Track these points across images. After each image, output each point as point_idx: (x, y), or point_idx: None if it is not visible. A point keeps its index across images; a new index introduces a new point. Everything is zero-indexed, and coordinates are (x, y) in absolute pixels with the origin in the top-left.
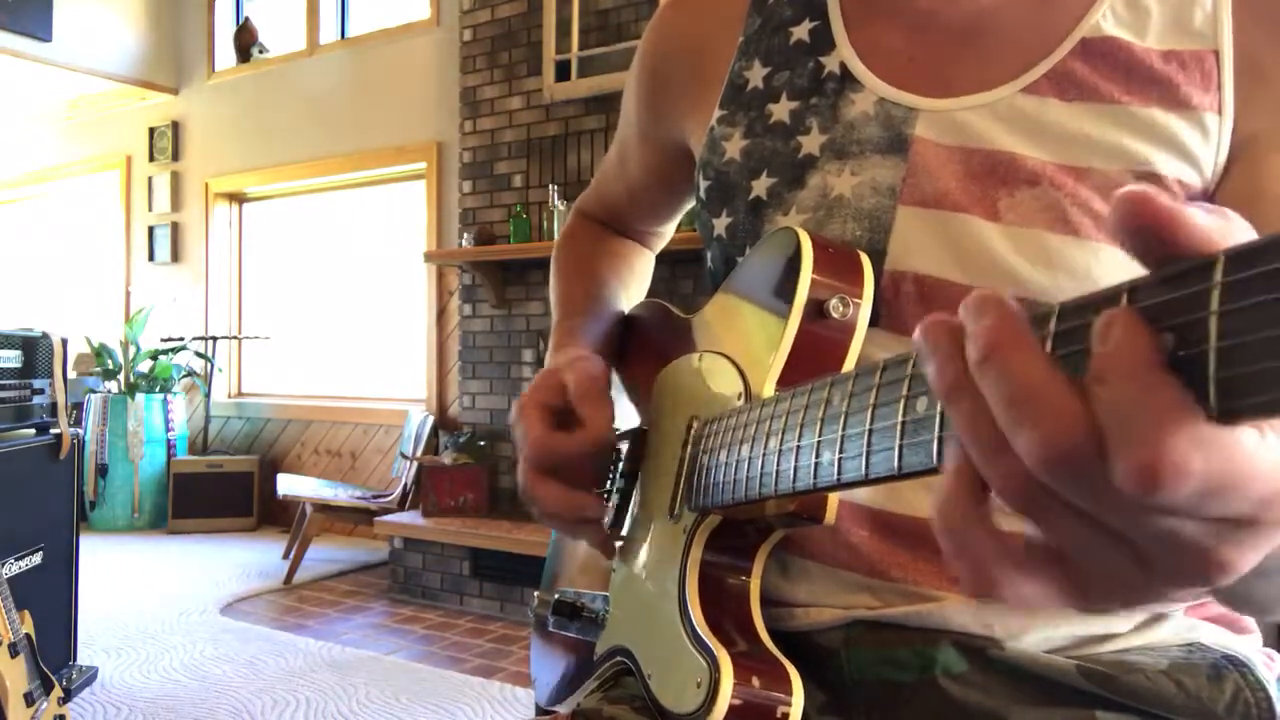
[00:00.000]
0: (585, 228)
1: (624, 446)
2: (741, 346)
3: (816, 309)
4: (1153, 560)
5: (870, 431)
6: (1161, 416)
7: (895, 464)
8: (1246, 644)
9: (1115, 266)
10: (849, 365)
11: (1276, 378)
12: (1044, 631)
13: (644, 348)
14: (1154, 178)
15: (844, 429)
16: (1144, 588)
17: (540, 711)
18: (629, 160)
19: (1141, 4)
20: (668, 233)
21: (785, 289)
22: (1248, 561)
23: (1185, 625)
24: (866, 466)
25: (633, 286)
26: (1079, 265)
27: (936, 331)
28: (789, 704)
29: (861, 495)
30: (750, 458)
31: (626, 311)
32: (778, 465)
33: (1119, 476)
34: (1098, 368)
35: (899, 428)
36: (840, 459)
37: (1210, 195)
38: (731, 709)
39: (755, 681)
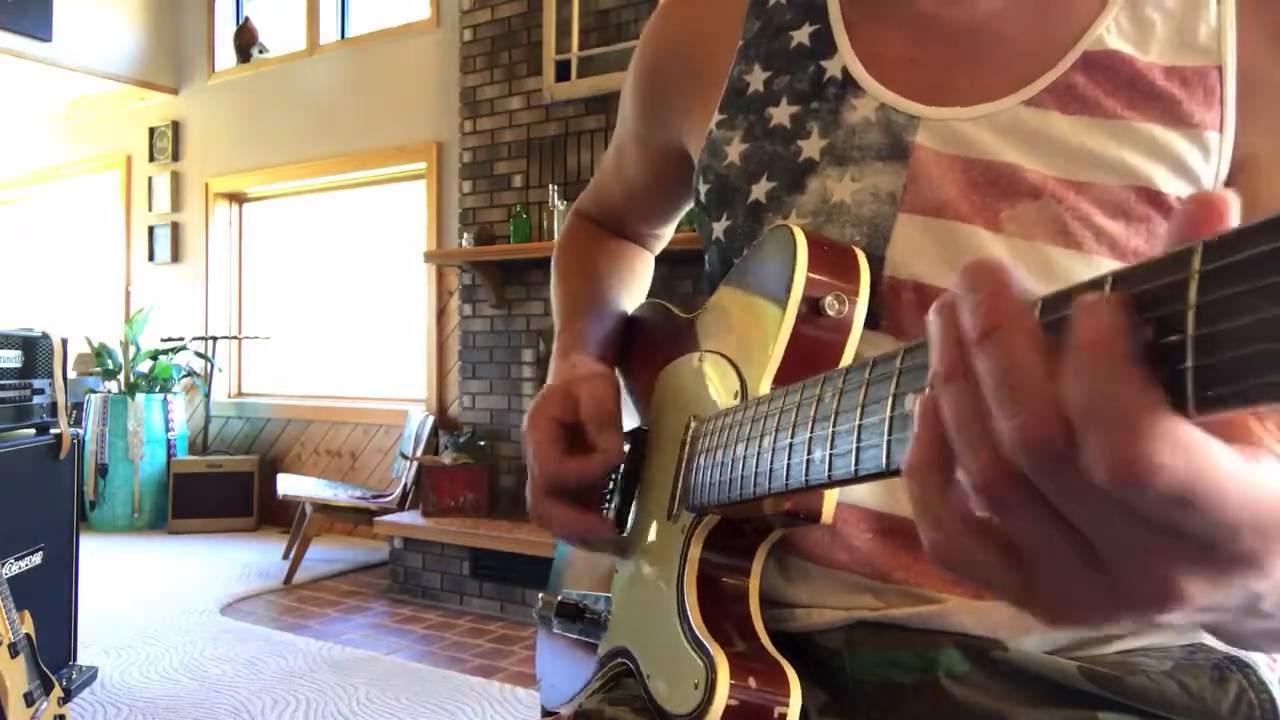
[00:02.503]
0: (584, 230)
1: (626, 447)
2: (738, 345)
3: (812, 306)
4: (1111, 573)
5: (860, 428)
6: (1134, 406)
7: (884, 460)
8: None
9: None
10: (845, 363)
11: (1252, 366)
12: (1047, 633)
13: (645, 348)
14: (1154, 194)
15: (834, 426)
16: (1098, 605)
17: (546, 713)
18: (626, 161)
19: (1145, 17)
20: (666, 235)
21: (780, 286)
22: (1204, 597)
23: (1188, 626)
24: (856, 463)
25: (634, 288)
26: (1079, 278)
27: (947, 312)
28: (786, 704)
29: (862, 497)
30: (745, 456)
31: (629, 313)
32: (771, 463)
33: (1090, 463)
34: (1071, 354)
35: (887, 423)
36: (831, 455)
37: None
38: (728, 710)
39: (752, 682)
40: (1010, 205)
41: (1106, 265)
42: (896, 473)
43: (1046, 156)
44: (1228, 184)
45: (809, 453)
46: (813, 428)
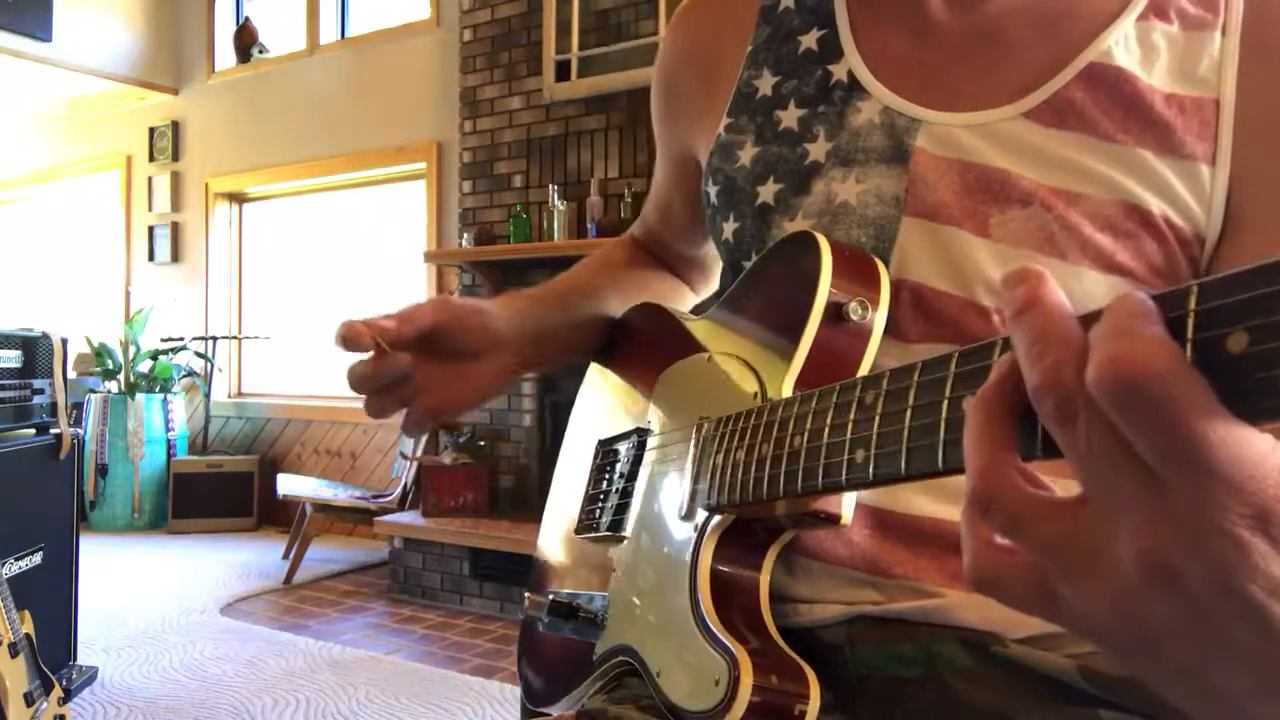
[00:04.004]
0: (617, 245)
1: (623, 447)
2: (755, 348)
3: (835, 312)
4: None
5: (910, 429)
6: (1145, 336)
7: (939, 459)
8: None
9: (1097, 291)
10: (864, 369)
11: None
12: (1045, 627)
13: (643, 349)
14: (1143, 212)
15: (879, 427)
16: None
17: (528, 713)
18: (659, 177)
19: (1152, 42)
20: (705, 259)
21: (804, 291)
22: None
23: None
24: (906, 463)
25: (634, 299)
26: (1061, 288)
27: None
28: (806, 702)
29: (860, 495)
30: (773, 456)
31: (619, 315)
32: (803, 463)
33: (1089, 374)
34: (1099, 321)
35: (943, 424)
36: (876, 455)
37: (1204, 243)
38: (751, 706)
39: (774, 680)
40: (1000, 210)
41: (1089, 277)
42: (950, 472)
43: (1040, 166)
44: (1240, 223)
45: (850, 453)
46: (853, 429)
